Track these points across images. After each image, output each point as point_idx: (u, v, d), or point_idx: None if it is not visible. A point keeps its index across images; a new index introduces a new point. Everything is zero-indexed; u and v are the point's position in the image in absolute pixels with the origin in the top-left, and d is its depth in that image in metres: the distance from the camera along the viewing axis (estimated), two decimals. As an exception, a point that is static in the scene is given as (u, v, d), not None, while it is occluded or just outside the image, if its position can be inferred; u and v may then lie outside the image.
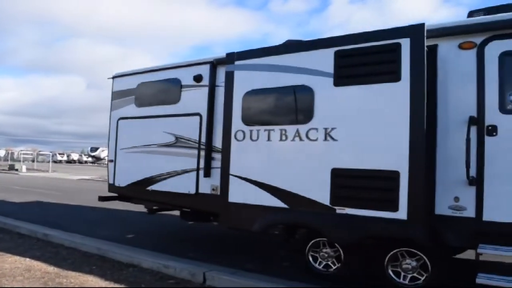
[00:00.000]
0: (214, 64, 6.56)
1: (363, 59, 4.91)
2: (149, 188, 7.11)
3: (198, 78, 6.67)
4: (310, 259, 5.53)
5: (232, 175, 5.74)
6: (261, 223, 5.52)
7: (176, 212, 7.84)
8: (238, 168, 5.71)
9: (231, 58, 5.91)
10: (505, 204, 4.43)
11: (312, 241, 5.50)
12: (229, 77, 5.89)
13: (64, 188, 19.45)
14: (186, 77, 6.86)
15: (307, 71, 5.23)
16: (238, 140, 5.75)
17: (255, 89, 5.66)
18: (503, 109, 4.51)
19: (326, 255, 5.42)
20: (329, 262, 5.42)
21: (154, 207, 7.82)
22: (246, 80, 5.73)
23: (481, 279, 4.33)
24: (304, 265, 5.58)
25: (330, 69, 5.07)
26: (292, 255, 6.32)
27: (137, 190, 7.40)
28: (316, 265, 5.49)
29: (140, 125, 7.46)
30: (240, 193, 5.66)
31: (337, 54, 5.04)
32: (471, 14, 5.32)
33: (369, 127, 4.80)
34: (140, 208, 8.43)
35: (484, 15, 5.04)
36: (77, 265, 6.01)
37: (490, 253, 4.45)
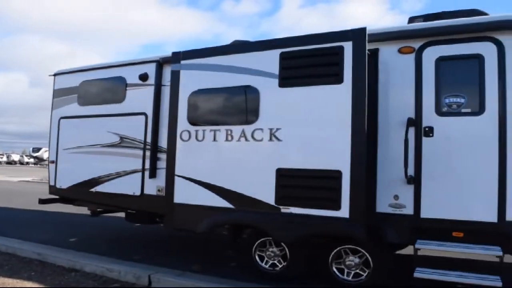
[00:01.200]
0: (161, 63, 6.45)
1: (307, 61, 5.00)
2: (93, 189, 6.89)
3: (143, 77, 6.53)
4: (257, 258, 5.56)
5: (177, 175, 5.66)
6: (207, 224, 5.48)
7: (121, 214, 7.65)
8: (183, 168, 5.64)
9: (177, 57, 5.83)
10: (441, 202, 4.66)
11: (259, 241, 5.52)
12: (175, 77, 5.81)
13: (2, 190, 18.45)
14: (131, 75, 6.70)
15: (253, 72, 5.25)
16: (183, 140, 5.68)
17: (201, 89, 5.62)
18: (439, 111, 4.74)
19: (273, 254, 5.47)
20: (276, 261, 5.47)
21: (98, 209, 7.59)
22: (192, 80, 5.68)
23: (418, 273, 4.54)
24: (251, 265, 5.60)
25: (275, 70, 5.12)
26: (239, 255, 6.33)
27: (80, 192, 7.15)
28: (263, 264, 5.52)
29: (83, 124, 7.21)
30: (185, 194, 5.60)
31: (282, 56, 5.10)
32: (411, 20, 5.55)
33: (312, 127, 4.89)
34: (83, 210, 8.15)
35: (424, 21, 5.28)
36: (15, 271, 5.74)
37: (427, 248, 4.67)
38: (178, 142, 5.71)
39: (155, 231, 8.62)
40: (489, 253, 4.42)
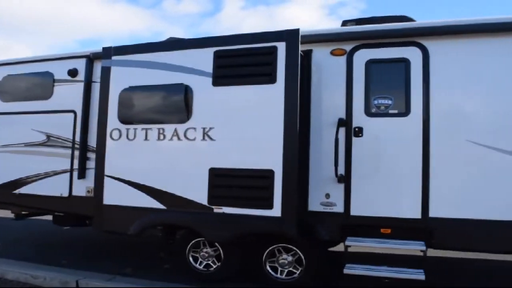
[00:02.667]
0: (91, 59, 6.18)
1: (242, 60, 4.98)
2: (16, 191, 6.45)
3: (73, 73, 6.22)
4: (191, 259, 5.47)
5: (107, 176, 5.43)
6: (138, 226, 5.29)
7: (49, 217, 7.26)
8: (113, 168, 5.42)
9: (108, 52, 5.60)
10: (370, 200, 4.82)
11: (192, 241, 5.44)
12: (105, 73, 5.57)
13: None
14: (59, 71, 6.35)
15: (187, 70, 5.15)
16: (113, 139, 5.46)
17: (133, 86, 5.42)
18: (368, 112, 4.90)
19: (207, 254, 5.40)
20: (210, 262, 5.41)
21: (23, 212, 7.13)
22: (123, 77, 5.47)
23: (348, 269, 4.69)
24: (185, 266, 5.50)
25: (209, 68, 5.05)
26: (173, 256, 6.20)
27: (2, 194, 6.68)
28: (197, 265, 5.45)
29: (5, 122, 6.73)
30: (116, 195, 5.38)
31: (216, 54, 5.04)
32: (344, 23, 5.69)
33: (245, 127, 4.87)
34: (7, 213, 7.65)
35: (356, 25, 5.43)
36: None
37: (356, 244, 4.82)
38: (108, 141, 5.48)
39: (85, 234, 8.26)
40: (414, 248, 4.65)
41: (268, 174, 4.71)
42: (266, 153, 4.75)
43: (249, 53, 4.93)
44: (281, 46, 4.77)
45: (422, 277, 4.46)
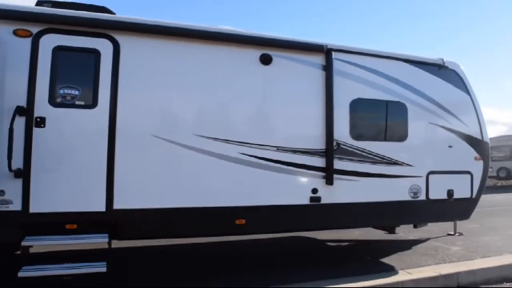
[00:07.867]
0: None
1: None
2: None
3: None
4: None
5: None
6: None
7: None
8: None
9: None
10: (53, 195, 4.56)
11: None
12: None
13: None
14: None
15: None
16: None
17: None
18: (53, 101, 4.61)
19: None
20: None
21: None
22: None
23: (23, 272, 4.29)
24: None
25: None
26: None
27: None
28: None
29: None
30: None
31: None
32: (40, 3, 5.21)
33: None
34: None
35: (52, 7, 5.03)
36: None
37: (35, 244, 4.50)
38: None
39: None
40: (97, 241, 4.65)
41: None
42: None
43: None
44: None
45: (103, 269, 4.49)
